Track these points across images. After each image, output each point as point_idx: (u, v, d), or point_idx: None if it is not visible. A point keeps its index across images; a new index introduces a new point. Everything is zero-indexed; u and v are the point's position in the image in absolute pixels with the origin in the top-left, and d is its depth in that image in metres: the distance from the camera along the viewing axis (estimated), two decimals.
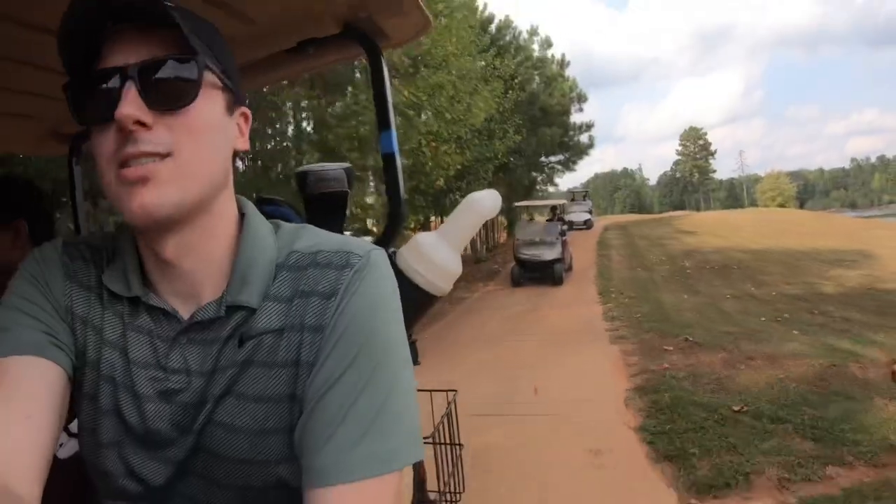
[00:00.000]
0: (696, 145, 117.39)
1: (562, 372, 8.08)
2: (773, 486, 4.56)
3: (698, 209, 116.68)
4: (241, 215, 0.92)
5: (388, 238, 1.52)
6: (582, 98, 36.42)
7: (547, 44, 35.17)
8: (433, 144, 13.52)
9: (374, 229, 12.26)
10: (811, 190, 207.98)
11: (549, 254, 16.95)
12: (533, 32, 34.15)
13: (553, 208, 21.55)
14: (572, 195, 40.82)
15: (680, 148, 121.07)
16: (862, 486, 4.44)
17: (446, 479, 1.88)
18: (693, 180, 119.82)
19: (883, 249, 20.03)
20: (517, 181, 30.19)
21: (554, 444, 5.69)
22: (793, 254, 20.16)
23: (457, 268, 1.40)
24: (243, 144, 0.91)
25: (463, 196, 11.92)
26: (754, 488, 4.58)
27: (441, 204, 19.97)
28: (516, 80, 26.45)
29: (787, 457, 4.94)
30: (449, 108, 13.67)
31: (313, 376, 0.84)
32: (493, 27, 28.36)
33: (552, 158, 35.70)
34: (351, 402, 0.81)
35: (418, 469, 1.81)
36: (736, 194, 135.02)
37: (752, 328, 9.81)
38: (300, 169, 1.91)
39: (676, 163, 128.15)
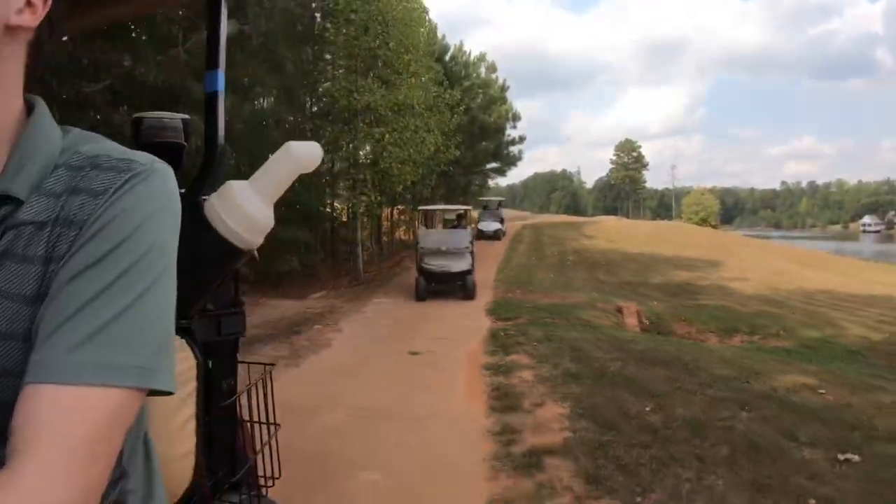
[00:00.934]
0: (629, 156, 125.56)
1: (448, 303, 15.76)
2: (526, 320, 12.32)
3: (628, 216, 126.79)
4: (31, 111, 0.86)
5: (201, 184, 1.45)
6: (516, 117, 44.88)
7: (492, 69, 43.47)
8: (399, 166, 21.23)
9: None
10: (741, 207, 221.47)
11: (458, 265, 15.81)
12: (481, 59, 42.38)
13: (459, 215, 20.14)
14: (485, 204, 39.70)
15: (614, 157, 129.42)
16: (572, 324, 12.24)
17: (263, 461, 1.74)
18: (625, 188, 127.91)
19: (734, 260, 28.01)
20: (455, 185, 38.47)
21: (451, 315, 13.36)
22: (656, 258, 28.16)
23: (268, 221, 1.37)
24: (26, 19, 0.79)
25: (413, 197, 21.73)
26: (523, 318, 12.36)
27: (396, 200, 27.78)
28: (461, 107, 32.83)
29: (540, 315, 12.75)
30: (410, 143, 21.40)
31: (58, 269, 0.78)
32: (447, 56, 36.44)
33: (488, 166, 44.30)
34: (87, 300, 0.75)
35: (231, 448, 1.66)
36: (666, 204, 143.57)
37: (573, 290, 17.87)
38: (136, 115, 1.98)
39: (611, 171, 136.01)
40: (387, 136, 19.97)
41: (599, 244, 32.28)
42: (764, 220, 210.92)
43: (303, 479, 4.07)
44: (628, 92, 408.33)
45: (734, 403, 5.83)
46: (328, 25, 20.53)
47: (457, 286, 15.59)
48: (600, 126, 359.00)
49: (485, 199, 43.12)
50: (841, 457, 4.47)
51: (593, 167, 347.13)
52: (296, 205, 17.94)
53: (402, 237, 33.36)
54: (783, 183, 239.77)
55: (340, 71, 21.30)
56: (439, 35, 35.94)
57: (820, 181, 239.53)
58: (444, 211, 24.50)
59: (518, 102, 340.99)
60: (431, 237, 17.10)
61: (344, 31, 19.69)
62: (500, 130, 43.19)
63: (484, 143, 39.38)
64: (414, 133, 21.75)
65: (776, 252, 35.54)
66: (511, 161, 45.41)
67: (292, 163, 1.39)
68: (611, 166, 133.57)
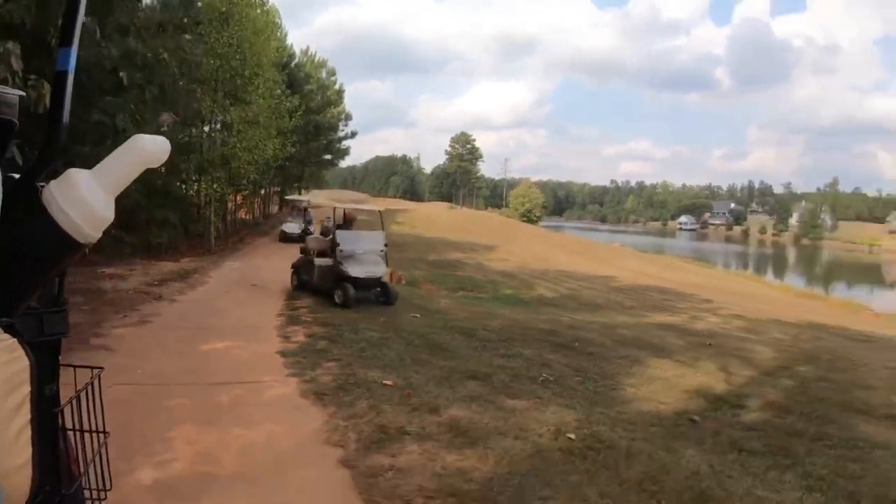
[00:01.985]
0: (464, 148, 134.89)
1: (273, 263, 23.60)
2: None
3: (461, 204, 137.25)
4: None
5: (39, 168, 1.30)
6: (348, 117, 53.39)
7: (331, 73, 51.53)
8: (246, 165, 28.76)
9: None
10: (572, 201, 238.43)
11: (380, 269, 15.17)
12: (321, 64, 50.33)
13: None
14: (291, 203, 38.95)
15: (449, 148, 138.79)
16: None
17: (84, 471, 1.58)
18: (459, 177, 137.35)
19: (511, 246, 36.94)
20: (290, 175, 46.41)
21: (275, 269, 21.19)
22: (444, 241, 36.72)
23: (108, 214, 1.26)
24: None
25: (254, 185, 30.90)
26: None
27: (239, 188, 35.15)
28: (299, 112, 39.85)
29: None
30: (255, 149, 28.95)
31: None
32: (293, 63, 44.07)
33: (323, 158, 52.70)
34: None
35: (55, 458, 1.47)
36: (499, 194, 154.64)
37: None
38: None
39: (446, 160, 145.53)
40: (237, 144, 27.54)
41: (403, 229, 40.46)
42: (591, 213, 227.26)
43: (204, 321, 12.08)
44: (479, 82, 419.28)
45: (441, 319, 14.21)
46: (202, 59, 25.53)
47: (381, 292, 15.02)
48: (448, 113, 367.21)
49: (291, 197, 43.46)
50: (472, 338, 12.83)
51: (437, 153, 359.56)
52: (165, 190, 24.05)
53: (243, 217, 40.27)
54: (612, 181, 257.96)
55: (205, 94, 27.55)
56: (288, 42, 43.57)
57: (650, 182, 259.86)
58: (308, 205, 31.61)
59: (367, 84, 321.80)
60: (352, 237, 15.68)
61: (211, 61, 25.78)
62: (333, 128, 51.53)
63: (318, 141, 47.38)
64: (259, 141, 29.32)
65: (553, 241, 45.67)
66: (341, 154, 54.22)
67: (139, 156, 1.29)
68: (440, 160, 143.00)
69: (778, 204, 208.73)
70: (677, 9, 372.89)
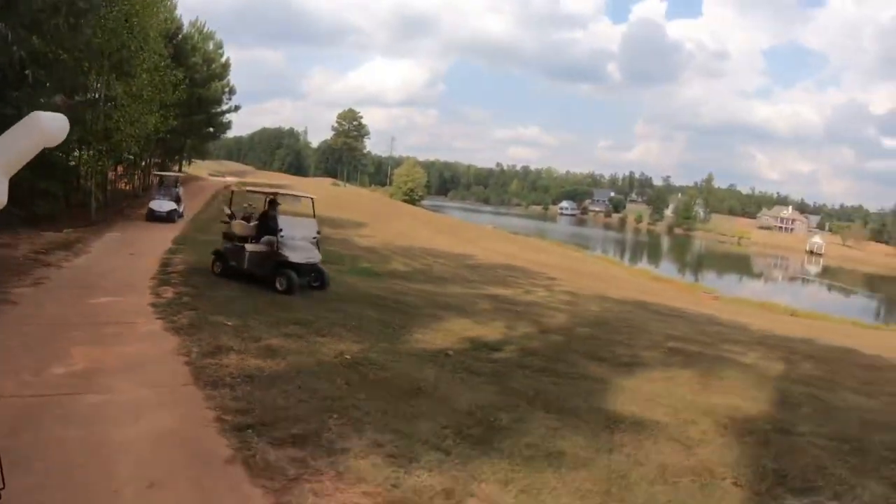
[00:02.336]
0: (350, 125, 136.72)
1: (152, 233, 25.66)
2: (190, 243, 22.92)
3: (348, 180, 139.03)
4: None
5: None
6: (232, 91, 54.60)
7: (218, 45, 52.83)
8: (128, 139, 30.41)
9: None
10: (457, 181, 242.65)
11: (317, 255, 15.42)
12: (209, 36, 51.47)
13: (272, 201, 16.63)
14: (160, 178, 35.95)
15: (335, 125, 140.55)
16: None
17: None
18: (345, 154, 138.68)
19: (379, 224, 39.63)
20: (171, 147, 47.74)
21: (153, 239, 23.47)
22: (321, 218, 39.31)
23: (2, 198, 1.19)
24: None
25: (135, 158, 32.31)
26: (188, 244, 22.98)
27: (120, 160, 36.56)
28: (183, 86, 39.88)
29: (199, 244, 23.45)
30: (137, 123, 30.49)
31: None
32: (181, 35, 44.97)
33: (205, 131, 54.08)
34: None
35: None
36: (385, 172, 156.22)
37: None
38: None
39: (332, 136, 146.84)
40: (120, 118, 29.17)
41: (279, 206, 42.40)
42: (475, 195, 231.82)
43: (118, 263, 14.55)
44: (373, 58, 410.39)
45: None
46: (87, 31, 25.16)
47: (311, 277, 15.28)
48: (340, 87, 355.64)
49: (160, 173, 40.83)
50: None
51: (326, 128, 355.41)
52: (49, 161, 24.94)
53: (124, 188, 41.33)
54: (498, 164, 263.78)
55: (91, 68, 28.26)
56: (177, 13, 43.95)
57: (536, 167, 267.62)
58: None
59: (258, 52, 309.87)
60: (290, 225, 15.65)
61: (100, 37, 26.08)
62: (217, 102, 52.82)
63: (200, 114, 48.58)
64: (142, 115, 30.93)
65: (424, 220, 48.86)
66: (224, 128, 55.80)
67: (38, 134, 1.23)
68: (328, 134, 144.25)
69: (656, 195, 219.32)
70: (577, 2, 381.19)
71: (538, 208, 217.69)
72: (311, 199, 18.33)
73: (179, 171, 53.42)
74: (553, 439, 6.64)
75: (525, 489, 5.46)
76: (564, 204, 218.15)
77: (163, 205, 30.62)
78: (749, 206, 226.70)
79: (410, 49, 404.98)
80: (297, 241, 15.19)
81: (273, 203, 16.48)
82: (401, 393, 7.66)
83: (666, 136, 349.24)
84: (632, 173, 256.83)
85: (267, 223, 15.63)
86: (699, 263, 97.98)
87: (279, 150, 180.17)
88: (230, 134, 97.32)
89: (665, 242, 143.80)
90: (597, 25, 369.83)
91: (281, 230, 14.96)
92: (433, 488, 5.27)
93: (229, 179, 67.68)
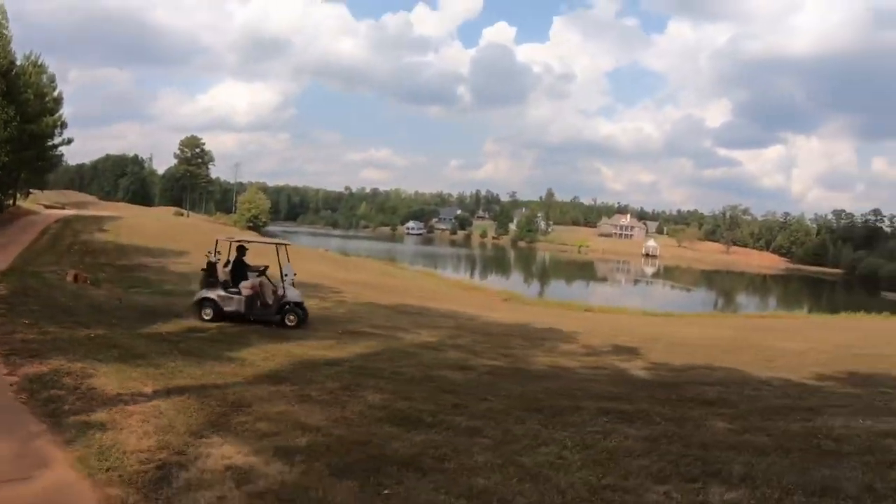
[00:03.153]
0: (193, 152, 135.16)
1: None
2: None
3: (193, 208, 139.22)
4: None
5: None
6: (64, 125, 56.91)
7: (51, 79, 55.38)
8: None
9: None
10: (307, 206, 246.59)
11: (299, 293, 18.07)
12: (41, 70, 53.79)
13: (241, 248, 18.69)
14: None
15: (178, 152, 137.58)
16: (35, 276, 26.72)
17: None
18: (189, 182, 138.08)
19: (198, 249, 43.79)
20: (2, 182, 49.96)
21: None
22: (140, 247, 41.44)
23: None
24: None
25: None
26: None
27: None
28: (14, 123, 42.71)
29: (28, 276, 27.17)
30: None
31: None
32: (13, 72, 46.99)
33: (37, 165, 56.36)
34: None
35: None
36: (230, 199, 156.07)
37: (59, 265, 32.21)
38: None
39: (174, 164, 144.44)
40: None
41: (107, 237, 45.42)
42: (324, 219, 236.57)
43: None
44: (223, 80, 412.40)
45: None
46: None
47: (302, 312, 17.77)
48: (190, 111, 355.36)
49: None
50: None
51: (173, 153, 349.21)
52: None
53: None
54: (347, 187, 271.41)
55: None
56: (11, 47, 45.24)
57: (390, 188, 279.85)
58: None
59: (104, 71, 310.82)
60: (288, 270, 17.85)
61: None
62: (49, 136, 54.93)
63: (31, 150, 50.31)
64: None
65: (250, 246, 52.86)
66: (55, 162, 58.26)
67: None
68: (174, 161, 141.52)
69: (501, 211, 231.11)
70: (430, 26, 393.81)
71: (386, 229, 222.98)
72: (286, 245, 20.05)
73: (13, 205, 54.27)
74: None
75: None
76: (411, 224, 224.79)
77: None
78: (591, 216, 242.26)
79: (261, 71, 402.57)
80: (290, 283, 17.50)
81: (242, 249, 18.42)
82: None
83: (515, 154, 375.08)
84: (478, 191, 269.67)
85: (242, 269, 17.82)
86: (527, 272, 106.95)
87: (123, 178, 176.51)
88: (72, 161, 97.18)
89: (504, 255, 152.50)
90: (448, 49, 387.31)
91: (287, 274, 17.56)
92: None
93: (67, 212, 68.51)
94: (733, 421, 9.07)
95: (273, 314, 17.23)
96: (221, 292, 17.25)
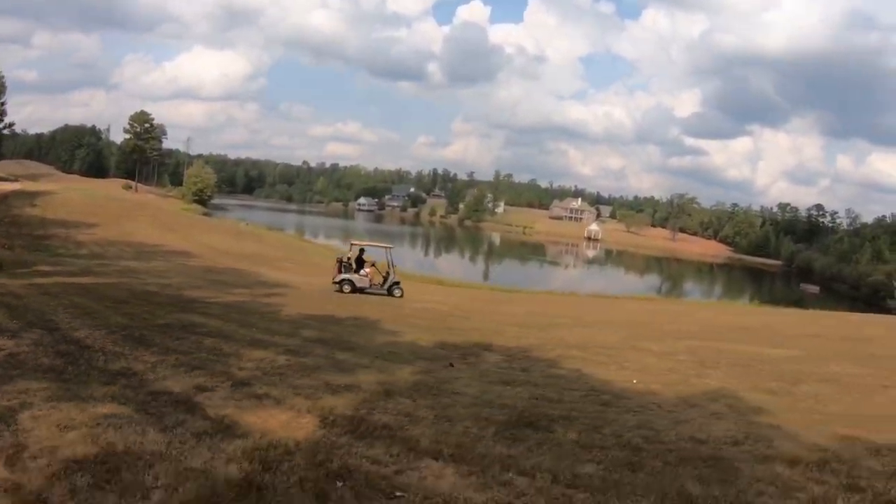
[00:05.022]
0: (142, 127, 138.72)
1: None
2: None
3: (146, 182, 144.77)
4: None
5: None
6: (2, 114, 65.90)
7: None
8: None
9: None
10: (262, 180, 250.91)
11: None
12: None
13: (361, 250, 32.55)
14: None
15: (128, 126, 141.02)
16: None
17: None
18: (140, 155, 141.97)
19: (119, 224, 52.88)
20: None
21: None
22: (59, 220, 51.96)
23: None
24: None
25: None
26: None
27: None
28: None
29: None
30: None
31: None
32: None
33: None
34: None
35: None
36: (181, 171, 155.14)
37: None
38: None
39: (124, 140, 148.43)
40: None
41: (34, 212, 54.14)
42: (279, 193, 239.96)
43: None
44: (193, 49, 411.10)
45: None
46: None
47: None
48: (156, 78, 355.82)
49: None
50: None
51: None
52: None
53: None
54: (305, 162, 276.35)
55: None
56: None
57: (356, 163, 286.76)
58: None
59: (72, 37, 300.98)
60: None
61: None
62: None
63: None
64: None
65: (162, 221, 61.99)
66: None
67: None
68: (125, 135, 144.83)
69: (455, 190, 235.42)
70: (404, 2, 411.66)
71: (339, 205, 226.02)
72: (390, 248, 32.24)
73: None
74: None
75: None
76: (362, 200, 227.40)
77: None
78: (546, 199, 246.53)
79: (231, 41, 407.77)
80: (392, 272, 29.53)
81: (361, 250, 30.65)
82: None
83: (485, 134, 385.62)
84: (435, 169, 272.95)
85: (361, 262, 29.67)
86: (436, 251, 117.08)
87: (80, 149, 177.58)
88: (33, 131, 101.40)
89: (437, 234, 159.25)
90: (421, 25, 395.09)
91: (395, 265, 30.21)
92: None
93: (13, 187, 74.02)
94: None
95: (383, 289, 28.73)
96: (354, 276, 28.73)
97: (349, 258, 29.69)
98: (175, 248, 46.17)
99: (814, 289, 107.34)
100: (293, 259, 50.56)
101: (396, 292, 28.64)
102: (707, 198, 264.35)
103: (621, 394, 10.13)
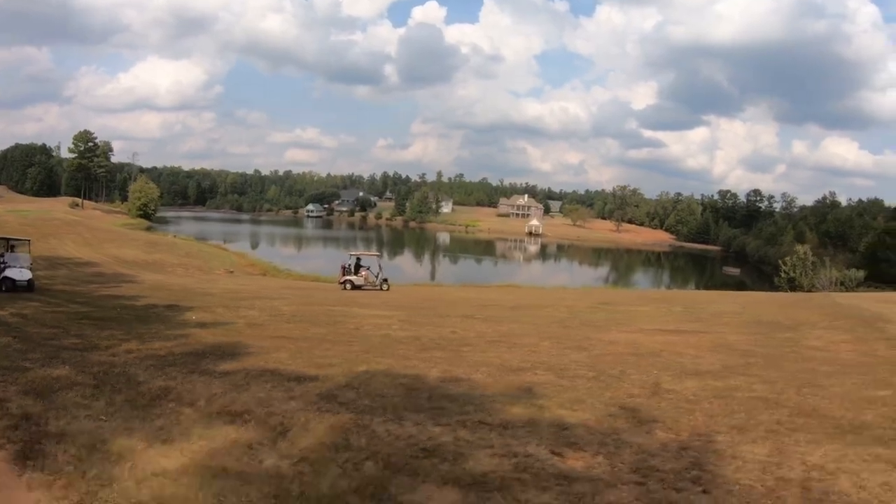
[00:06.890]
0: (85, 146, 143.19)
1: None
2: None
3: (93, 199, 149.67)
4: None
5: None
6: None
7: None
8: None
9: None
10: (214, 190, 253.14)
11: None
12: None
13: (359, 257, 39.54)
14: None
15: (71, 146, 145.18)
16: None
17: None
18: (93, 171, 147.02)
19: (44, 241, 62.39)
20: None
21: None
22: None
23: None
24: None
25: None
26: None
27: None
28: None
29: None
30: None
31: None
32: None
33: None
34: None
35: None
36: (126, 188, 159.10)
37: None
38: None
39: (69, 159, 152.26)
40: None
41: None
42: (230, 203, 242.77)
43: None
44: (147, 59, 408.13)
45: None
46: None
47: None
48: (111, 90, 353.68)
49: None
50: None
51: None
52: None
53: None
54: (256, 170, 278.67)
55: None
56: None
57: (313, 170, 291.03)
58: None
59: (22, 51, 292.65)
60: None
61: None
62: None
63: None
64: None
65: (84, 236, 70.58)
66: None
67: None
68: (70, 155, 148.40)
69: (403, 192, 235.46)
70: (360, 5, 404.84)
71: (289, 213, 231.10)
72: (379, 255, 42.92)
73: None
74: None
75: None
76: (310, 207, 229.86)
77: (23, 273, 27.80)
78: (497, 197, 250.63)
79: (185, 50, 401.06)
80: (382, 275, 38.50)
81: (358, 259, 38.81)
82: None
83: (444, 135, 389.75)
84: (385, 172, 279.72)
85: (358, 267, 37.91)
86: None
87: (31, 168, 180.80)
88: None
89: (375, 236, 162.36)
90: (376, 28, 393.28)
91: (381, 269, 38.91)
92: None
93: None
94: None
95: (376, 286, 37.16)
96: (354, 277, 37.16)
97: (350, 265, 38.14)
98: (83, 260, 53.45)
99: (734, 271, 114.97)
100: (187, 265, 59.41)
101: (384, 287, 37.69)
102: (668, 188, 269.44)
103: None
